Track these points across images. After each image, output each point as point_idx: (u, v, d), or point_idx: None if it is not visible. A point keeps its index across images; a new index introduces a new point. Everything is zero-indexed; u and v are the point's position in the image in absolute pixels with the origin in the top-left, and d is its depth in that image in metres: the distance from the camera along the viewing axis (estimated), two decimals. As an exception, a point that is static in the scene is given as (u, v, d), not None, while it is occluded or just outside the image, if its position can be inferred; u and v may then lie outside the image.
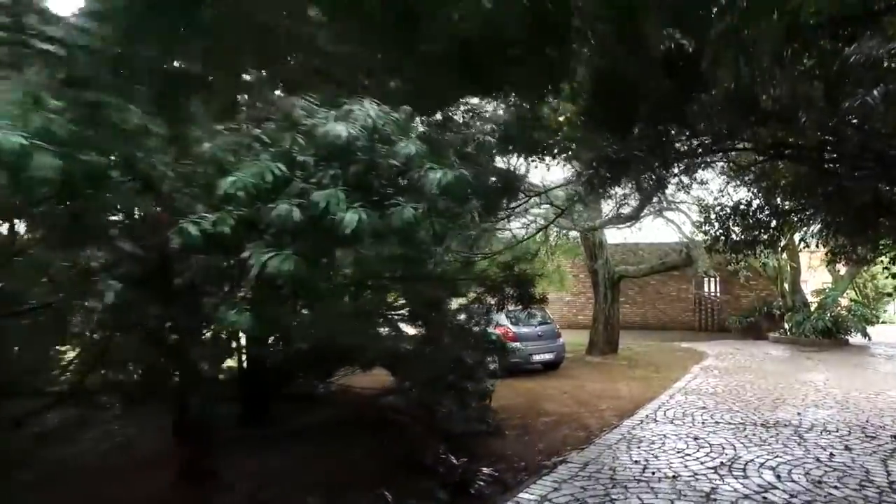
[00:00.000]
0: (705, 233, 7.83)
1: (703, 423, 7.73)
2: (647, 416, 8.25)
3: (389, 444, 6.99)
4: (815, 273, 19.23)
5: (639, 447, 6.64)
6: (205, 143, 2.80)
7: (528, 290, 6.76)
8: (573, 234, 16.17)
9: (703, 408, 8.64)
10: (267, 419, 7.67)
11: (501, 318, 12.34)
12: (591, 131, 4.09)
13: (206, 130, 2.84)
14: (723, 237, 7.45)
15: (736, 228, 7.52)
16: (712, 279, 21.09)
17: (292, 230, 2.81)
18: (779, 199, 7.23)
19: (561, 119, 4.45)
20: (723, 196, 7.70)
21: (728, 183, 7.92)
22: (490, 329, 12.32)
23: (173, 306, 2.74)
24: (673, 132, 4.14)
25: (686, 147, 5.16)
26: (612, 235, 18.07)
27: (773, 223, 7.52)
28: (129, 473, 5.78)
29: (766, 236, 7.83)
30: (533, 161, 6.74)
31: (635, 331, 22.20)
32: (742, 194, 7.66)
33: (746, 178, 7.03)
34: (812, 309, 17.64)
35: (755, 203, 7.34)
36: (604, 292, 15.09)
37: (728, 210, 7.36)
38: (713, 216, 7.49)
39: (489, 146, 4.77)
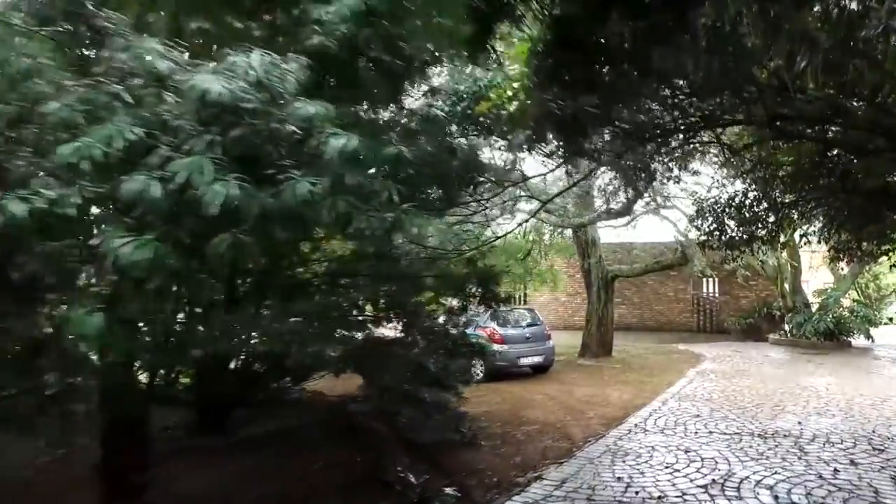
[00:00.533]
0: (698, 228, 7.19)
1: (695, 432, 7.09)
2: (636, 424, 7.62)
3: (352, 455, 6.41)
4: (816, 273, 18.55)
5: (624, 461, 6.02)
6: (51, 102, 2.21)
7: (491, 289, 6.14)
8: (568, 232, 15.56)
9: (697, 416, 8.00)
10: (227, 426, 7.09)
11: (487, 319, 11.75)
12: (545, 90, 3.48)
13: (54, 86, 2.26)
14: (717, 232, 6.82)
15: (731, 223, 6.89)
16: (711, 279, 20.43)
17: (158, 210, 2.21)
18: (777, 192, 6.60)
19: (516, 86, 3.83)
20: (717, 187, 7.05)
21: (722, 169, 7.23)
22: (473, 330, 11.73)
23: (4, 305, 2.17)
24: (638, 82, 3.53)
25: (672, 125, 4.55)
26: (608, 235, 17.47)
27: (772, 218, 6.89)
28: (55, 493, 5.21)
29: (763, 232, 7.20)
30: (491, 140, 6.09)
31: (632, 332, 21.54)
32: (738, 187, 7.02)
33: (742, 168, 6.41)
34: (813, 310, 16.96)
35: (751, 195, 6.71)
36: (597, 292, 14.45)
37: (722, 203, 6.73)
38: (706, 209, 6.85)
39: (438, 120, 4.15)
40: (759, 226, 6.87)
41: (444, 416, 7.11)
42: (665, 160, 5.89)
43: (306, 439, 6.83)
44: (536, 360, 11.69)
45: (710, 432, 7.08)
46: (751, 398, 9.18)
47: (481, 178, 5.51)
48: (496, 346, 11.32)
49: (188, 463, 6.17)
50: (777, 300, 18.19)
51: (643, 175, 6.08)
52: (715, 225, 6.83)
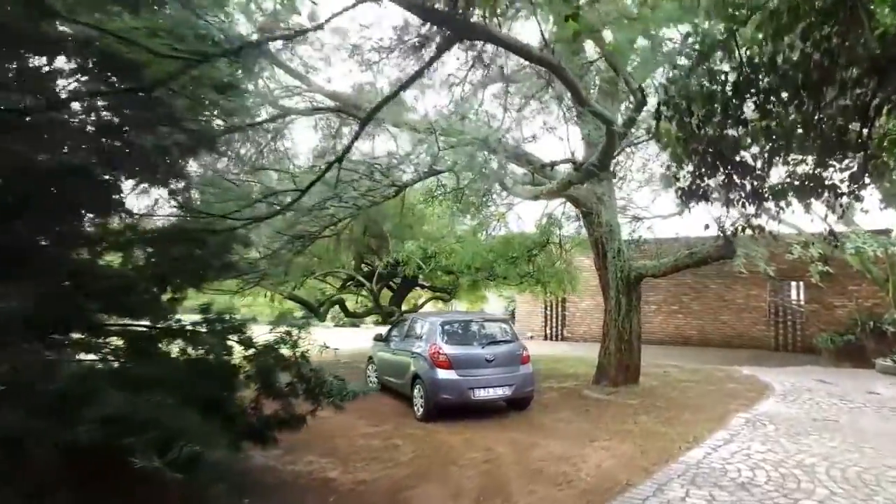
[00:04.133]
0: (666, 145, 3.13)
1: None
2: (571, 550, 3.79)
3: None
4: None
5: None
6: None
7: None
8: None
9: (705, 534, 3.99)
10: None
11: (436, 333, 8.18)
12: None
13: None
14: (708, 156, 2.79)
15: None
16: (796, 283, 15.27)
17: None
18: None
19: None
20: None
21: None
22: (423, 349, 8.15)
23: None
24: None
25: None
26: (657, 230, 13.12)
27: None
28: None
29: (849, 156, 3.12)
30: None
31: (690, 348, 16.82)
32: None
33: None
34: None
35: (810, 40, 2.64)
36: (616, 298, 10.30)
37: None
38: (680, 88, 2.80)
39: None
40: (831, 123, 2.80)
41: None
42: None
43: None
44: (501, 392, 7.88)
45: None
46: (827, 487, 4.91)
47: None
48: (440, 373, 7.70)
49: None
50: (889, 311, 12.82)
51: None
52: (707, 130, 2.77)
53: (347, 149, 4.60)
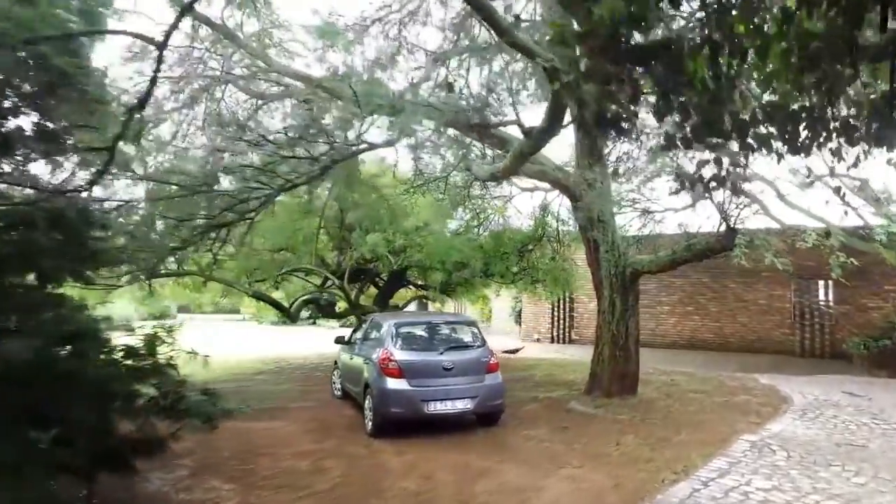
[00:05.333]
0: None
1: None
2: None
3: None
4: None
5: None
6: None
7: None
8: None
9: None
10: None
11: (389, 337, 7.08)
12: None
13: None
14: (614, 55, 1.66)
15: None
16: (824, 282, 13.60)
17: None
18: None
19: None
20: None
21: None
22: (374, 357, 7.05)
23: None
24: None
25: None
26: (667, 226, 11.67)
27: None
28: None
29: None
30: None
31: (707, 352, 15.28)
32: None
33: None
34: None
35: None
36: (609, 297, 9.01)
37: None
38: None
39: None
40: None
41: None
42: None
43: None
44: (462, 405, 6.73)
45: None
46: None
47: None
48: (390, 382, 6.60)
49: None
50: (932, 313, 11.17)
51: None
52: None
53: (147, 93, 3.52)
